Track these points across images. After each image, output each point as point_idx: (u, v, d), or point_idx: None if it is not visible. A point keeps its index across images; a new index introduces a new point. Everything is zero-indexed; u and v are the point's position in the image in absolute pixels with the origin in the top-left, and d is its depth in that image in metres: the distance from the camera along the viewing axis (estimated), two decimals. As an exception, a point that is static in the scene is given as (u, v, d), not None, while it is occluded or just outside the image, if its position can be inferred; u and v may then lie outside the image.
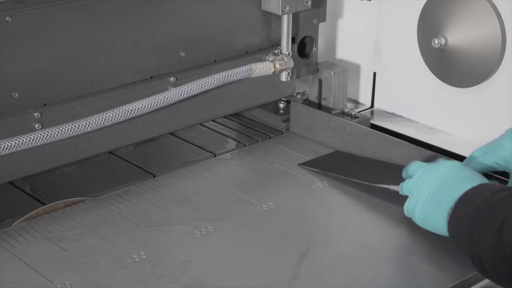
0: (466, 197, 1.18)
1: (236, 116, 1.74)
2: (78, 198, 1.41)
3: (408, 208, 1.28)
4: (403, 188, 1.31)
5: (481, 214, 1.12)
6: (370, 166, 1.52)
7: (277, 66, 1.54)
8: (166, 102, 1.37)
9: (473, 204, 1.15)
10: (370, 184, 1.43)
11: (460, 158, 1.45)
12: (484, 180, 1.23)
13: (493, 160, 1.33)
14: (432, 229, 1.25)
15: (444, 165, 1.28)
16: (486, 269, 1.10)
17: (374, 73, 1.74)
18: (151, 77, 1.43)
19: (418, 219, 1.27)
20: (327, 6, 1.66)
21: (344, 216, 1.39)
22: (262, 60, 1.55)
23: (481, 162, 1.34)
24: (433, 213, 1.23)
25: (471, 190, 1.18)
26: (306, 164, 1.52)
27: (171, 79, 1.43)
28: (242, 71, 1.48)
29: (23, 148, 1.23)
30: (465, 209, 1.16)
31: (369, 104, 1.76)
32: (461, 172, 1.25)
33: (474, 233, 1.12)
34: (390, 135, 1.55)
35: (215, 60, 1.51)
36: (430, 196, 1.24)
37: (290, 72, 1.57)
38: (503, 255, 1.06)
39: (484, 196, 1.14)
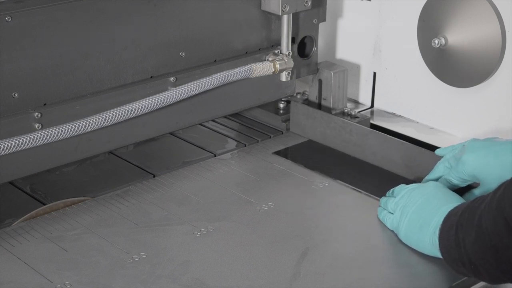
0: (451, 212, 1.19)
1: (236, 116, 1.74)
2: (78, 198, 1.41)
3: (393, 224, 1.30)
4: (388, 206, 1.32)
5: (464, 217, 1.13)
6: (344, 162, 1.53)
7: (277, 66, 1.54)
8: (166, 102, 1.38)
9: (457, 214, 1.16)
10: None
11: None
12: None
13: (459, 177, 1.33)
14: (417, 247, 1.25)
15: (429, 184, 1.30)
16: (477, 268, 1.10)
17: (374, 73, 1.74)
18: (151, 77, 1.43)
19: (403, 237, 1.27)
20: (327, 6, 1.66)
21: (344, 216, 1.39)
22: (262, 60, 1.55)
23: (448, 180, 1.35)
24: (419, 232, 1.24)
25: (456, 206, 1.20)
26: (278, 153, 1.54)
27: (171, 79, 1.43)
28: (242, 71, 1.48)
29: (23, 148, 1.23)
30: (450, 222, 1.17)
31: (369, 104, 1.76)
32: (445, 191, 1.27)
33: (459, 235, 1.12)
34: (390, 135, 1.55)
35: (215, 60, 1.51)
36: (416, 214, 1.25)
37: (290, 72, 1.57)
38: (486, 243, 1.06)
39: (466, 205, 1.16)
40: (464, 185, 1.35)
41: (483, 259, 1.08)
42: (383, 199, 1.35)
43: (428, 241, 1.22)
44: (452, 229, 1.15)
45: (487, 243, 1.06)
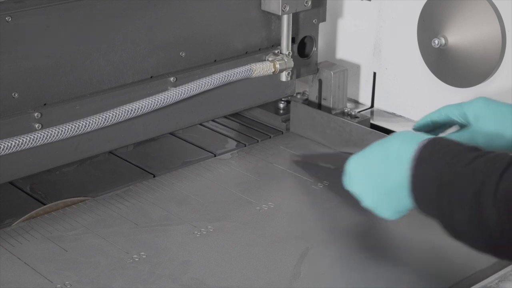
0: (421, 157, 1.08)
1: (236, 116, 1.74)
2: (78, 198, 1.41)
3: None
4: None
5: (447, 183, 1.03)
6: None
7: (277, 66, 1.54)
8: (166, 102, 1.38)
9: (434, 169, 1.05)
10: None
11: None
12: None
13: (462, 113, 1.25)
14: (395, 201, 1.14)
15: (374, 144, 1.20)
16: (460, 236, 1.04)
17: (374, 73, 1.74)
18: (151, 77, 1.43)
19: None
20: (327, 6, 1.66)
21: (344, 216, 1.39)
22: (262, 60, 1.55)
23: (445, 114, 1.26)
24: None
25: (424, 148, 1.08)
26: None
27: (171, 79, 1.43)
28: (242, 71, 1.48)
29: (23, 148, 1.23)
30: (424, 172, 1.07)
31: (369, 104, 1.76)
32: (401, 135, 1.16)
33: (443, 201, 1.04)
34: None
35: (215, 60, 1.51)
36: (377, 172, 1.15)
37: (290, 72, 1.57)
38: (486, 231, 0.99)
39: (444, 160, 1.05)
40: (455, 124, 1.27)
41: (472, 238, 1.02)
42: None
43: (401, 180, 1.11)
44: (432, 187, 1.04)
45: (483, 230, 0.99)
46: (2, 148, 1.20)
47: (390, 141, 1.16)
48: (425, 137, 1.11)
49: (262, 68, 1.51)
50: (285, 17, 1.54)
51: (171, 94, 1.38)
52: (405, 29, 1.64)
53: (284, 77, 1.57)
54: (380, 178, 1.15)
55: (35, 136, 1.24)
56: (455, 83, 1.57)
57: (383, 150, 1.16)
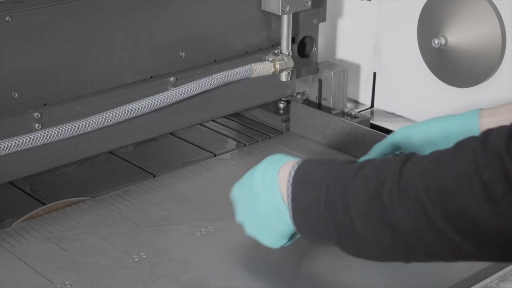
0: (297, 180, 1.02)
1: (236, 116, 1.74)
2: (78, 198, 1.41)
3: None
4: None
5: (333, 193, 0.97)
6: None
7: (277, 66, 1.54)
8: (166, 102, 1.37)
9: (317, 188, 0.99)
10: None
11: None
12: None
13: (383, 144, 1.24)
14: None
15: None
16: (363, 249, 0.96)
17: (374, 73, 1.74)
18: (151, 77, 1.43)
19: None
20: (327, 6, 1.66)
21: (344, 216, 1.39)
22: (262, 60, 1.55)
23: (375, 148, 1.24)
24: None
25: (299, 169, 1.04)
26: None
27: (171, 79, 1.43)
28: (242, 71, 1.48)
29: (23, 148, 1.23)
30: (308, 193, 1.00)
31: (369, 104, 1.76)
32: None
33: (335, 219, 0.97)
34: (390, 135, 1.55)
35: (215, 60, 1.51)
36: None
37: (290, 72, 1.57)
38: (389, 234, 0.92)
39: (327, 177, 0.99)
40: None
41: (384, 251, 0.95)
42: None
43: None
44: (319, 205, 0.98)
45: (395, 240, 0.92)
46: (2, 148, 1.20)
47: (256, 169, 1.12)
48: (287, 159, 1.08)
49: (262, 68, 1.51)
50: (285, 17, 1.54)
51: (171, 94, 1.38)
52: (405, 29, 1.64)
53: (284, 77, 1.57)
54: (251, 207, 1.11)
55: (35, 136, 1.24)
56: (455, 83, 1.57)
57: (251, 178, 1.11)
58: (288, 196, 1.03)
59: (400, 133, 1.24)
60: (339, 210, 0.96)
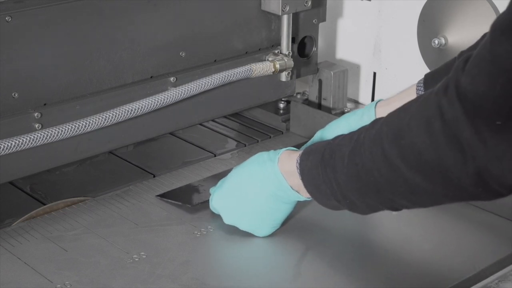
0: (307, 151, 1.18)
1: (236, 116, 1.74)
2: (78, 198, 1.41)
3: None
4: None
5: (326, 156, 1.12)
6: None
7: (277, 66, 1.54)
8: (166, 102, 1.38)
9: (317, 152, 1.15)
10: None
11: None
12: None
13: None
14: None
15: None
16: (354, 203, 1.10)
17: (374, 73, 1.74)
18: (151, 77, 1.43)
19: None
20: (327, 6, 1.66)
21: (343, 216, 1.39)
22: (262, 60, 1.55)
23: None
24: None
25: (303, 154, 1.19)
26: (164, 196, 1.42)
27: (171, 79, 1.43)
28: (242, 71, 1.48)
29: (23, 148, 1.23)
30: (310, 162, 1.16)
31: (369, 104, 1.76)
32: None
33: (329, 175, 1.11)
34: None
35: (215, 60, 1.51)
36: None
37: (290, 72, 1.57)
38: (363, 181, 1.05)
39: (322, 144, 1.15)
40: None
41: (362, 194, 1.07)
42: None
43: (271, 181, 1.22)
44: (317, 168, 1.13)
45: (365, 181, 1.05)
46: (2, 148, 1.20)
47: (247, 166, 1.27)
48: (277, 151, 1.24)
49: (262, 68, 1.51)
50: (285, 17, 1.54)
51: (171, 94, 1.38)
52: (405, 29, 1.64)
53: (284, 77, 1.57)
54: (242, 205, 1.26)
55: (35, 136, 1.24)
56: (455, 83, 1.57)
57: (245, 176, 1.26)
58: (297, 167, 1.18)
59: (316, 136, 1.36)
60: (329, 169, 1.11)
